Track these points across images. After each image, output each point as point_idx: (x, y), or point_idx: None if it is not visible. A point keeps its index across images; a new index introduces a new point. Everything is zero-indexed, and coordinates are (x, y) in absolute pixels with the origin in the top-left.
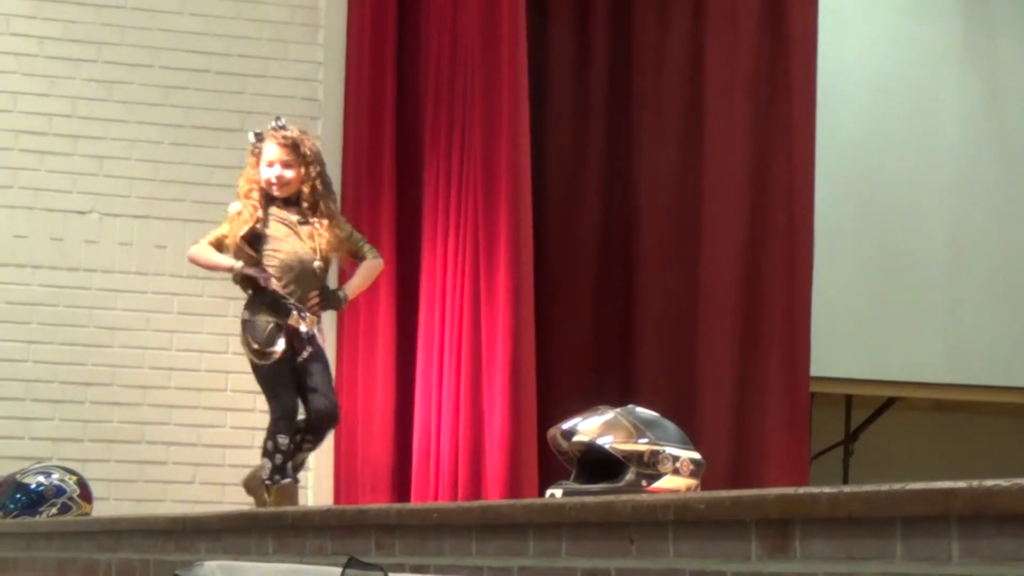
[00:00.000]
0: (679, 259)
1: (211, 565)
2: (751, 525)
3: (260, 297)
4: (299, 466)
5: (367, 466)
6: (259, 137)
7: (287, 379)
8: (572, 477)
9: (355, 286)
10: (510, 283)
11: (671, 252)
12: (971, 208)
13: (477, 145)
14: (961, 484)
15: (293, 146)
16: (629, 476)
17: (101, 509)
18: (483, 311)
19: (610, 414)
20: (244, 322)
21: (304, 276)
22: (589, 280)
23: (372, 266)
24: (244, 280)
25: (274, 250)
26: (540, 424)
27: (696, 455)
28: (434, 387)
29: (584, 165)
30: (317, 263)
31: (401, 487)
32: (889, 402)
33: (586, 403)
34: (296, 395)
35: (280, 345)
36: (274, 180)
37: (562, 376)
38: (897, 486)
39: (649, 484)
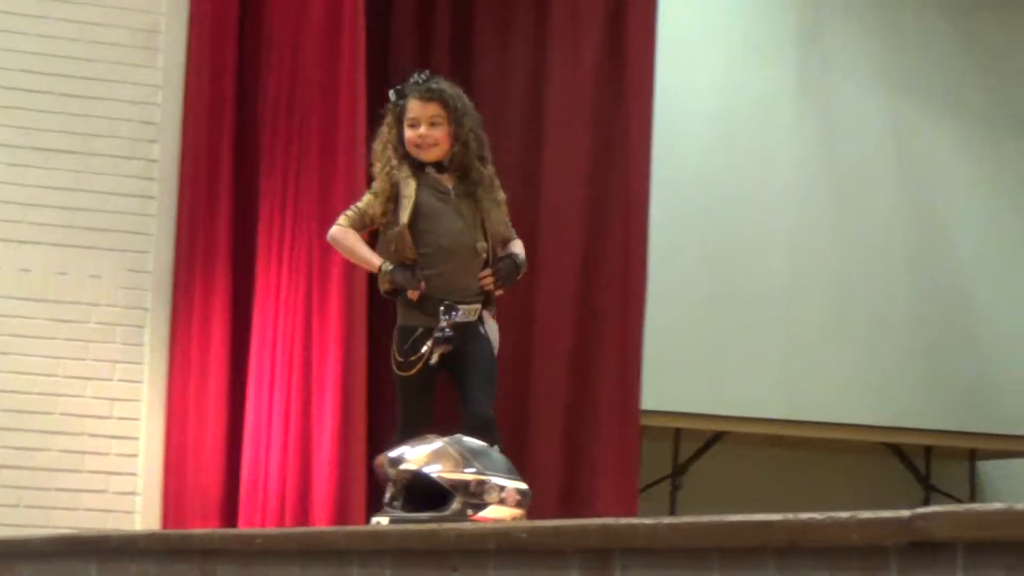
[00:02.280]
0: (514, 288)
1: None
2: (572, 555)
3: (408, 298)
4: None
5: (196, 491)
6: (399, 93)
7: (421, 393)
8: (397, 505)
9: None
10: (343, 310)
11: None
12: (806, 245)
13: (313, 169)
14: (777, 517)
15: (440, 99)
16: (455, 505)
17: None
18: (315, 337)
19: (438, 443)
20: (399, 329)
21: (465, 262)
22: None
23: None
24: (400, 283)
25: (426, 230)
26: (369, 451)
27: (522, 485)
28: (264, 413)
29: None
30: (480, 243)
31: (230, 512)
32: (718, 436)
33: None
34: (429, 416)
35: (423, 352)
36: (418, 141)
37: (393, 404)
38: (715, 518)
39: (475, 513)
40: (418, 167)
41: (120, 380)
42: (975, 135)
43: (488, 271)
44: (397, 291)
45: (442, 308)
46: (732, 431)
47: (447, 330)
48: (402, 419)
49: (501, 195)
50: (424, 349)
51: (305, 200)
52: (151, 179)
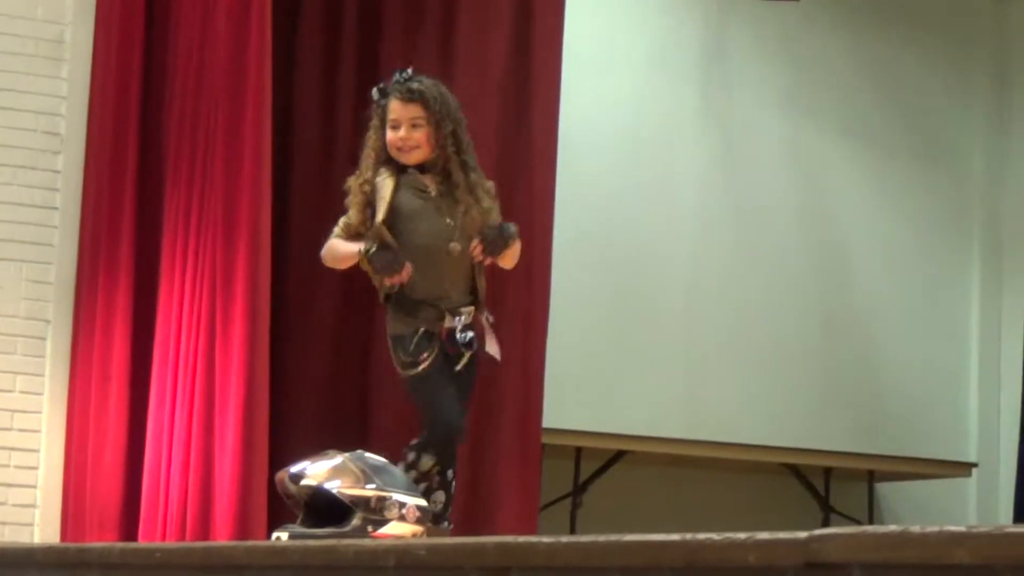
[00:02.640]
0: None
1: None
2: (471, 572)
3: (398, 303)
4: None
5: (96, 504)
6: (382, 93)
7: (447, 383)
8: (299, 521)
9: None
10: (246, 324)
11: None
12: (707, 265)
13: (218, 182)
14: (675, 537)
15: (421, 100)
16: (356, 521)
17: None
18: (218, 353)
19: (338, 459)
20: (392, 339)
21: (443, 263)
22: (327, 324)
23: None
24: (379, 265)
25: (403, 230)
26: (272, 467)
27: (423, 502)
28: (166, 426)
29: (328, 208)
30: (454, 244)
31: (130, 526)
32: (619, 455)
33: (320, 447)
34: (459, 406)
35: (432, 350)
36: (399, 144)
37: (296, 419)
38: (613, 537)
39: (375, 530)
40: (400, 168)
41: (21, 392)
42: (875, 157)
43: (476, 240)
44: (389, 296)
45: (448, 313)
46: (633, 450)
47: (465, 334)
48: (431, 420)
49: (486, 201)
50: (426, 353)
51: (210, 212)
52: (55, 190)
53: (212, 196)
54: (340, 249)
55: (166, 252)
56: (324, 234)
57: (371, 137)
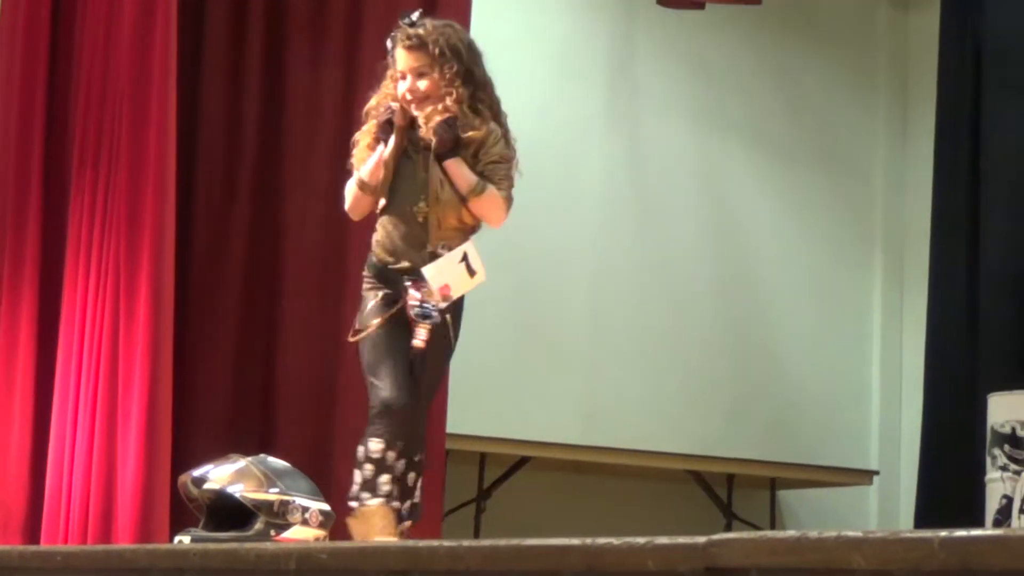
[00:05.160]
0: (322, 313)
1: None
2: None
3: (373, 267)
4: (409, 490)
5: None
6: (392, 40)
7: (390, 355)
8: (201, 524)
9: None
10: (150, 325)
11: (315, 305)
12: (611, 272)
13: (123, 182)
14: (575, 541)
15: (423, 47)
16: (258, 525)
17: None
18: (121, 354)
19: (242, 462)
20: (361, 300)
21: (406, 227)
22: (231, 327)
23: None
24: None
25: (394, 204)
26: (175, 471)
27: (326, 506)
28: (69, 428)
29: (232, 214)
30: (419, 204)
31: (33, 529)
32: (523, 461)
33: (224, 451)
34: (408, 381)
35: (383, 315)
36: (408, 96)
37: (200, 424)
38: (514, 542)
39: (278, 534)
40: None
41: None
42: (779, 165)
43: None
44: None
45: (408, 282)
46: (536, 456)
47: (427, 305)
48: (370, 397)
49: (494, 151)
50: (376, 319)
51: (114, 211)
52: None
53: (116, 196)
54: (353, 188)
55: (70, 253)
56: (228, 235)
57: (385, 86)
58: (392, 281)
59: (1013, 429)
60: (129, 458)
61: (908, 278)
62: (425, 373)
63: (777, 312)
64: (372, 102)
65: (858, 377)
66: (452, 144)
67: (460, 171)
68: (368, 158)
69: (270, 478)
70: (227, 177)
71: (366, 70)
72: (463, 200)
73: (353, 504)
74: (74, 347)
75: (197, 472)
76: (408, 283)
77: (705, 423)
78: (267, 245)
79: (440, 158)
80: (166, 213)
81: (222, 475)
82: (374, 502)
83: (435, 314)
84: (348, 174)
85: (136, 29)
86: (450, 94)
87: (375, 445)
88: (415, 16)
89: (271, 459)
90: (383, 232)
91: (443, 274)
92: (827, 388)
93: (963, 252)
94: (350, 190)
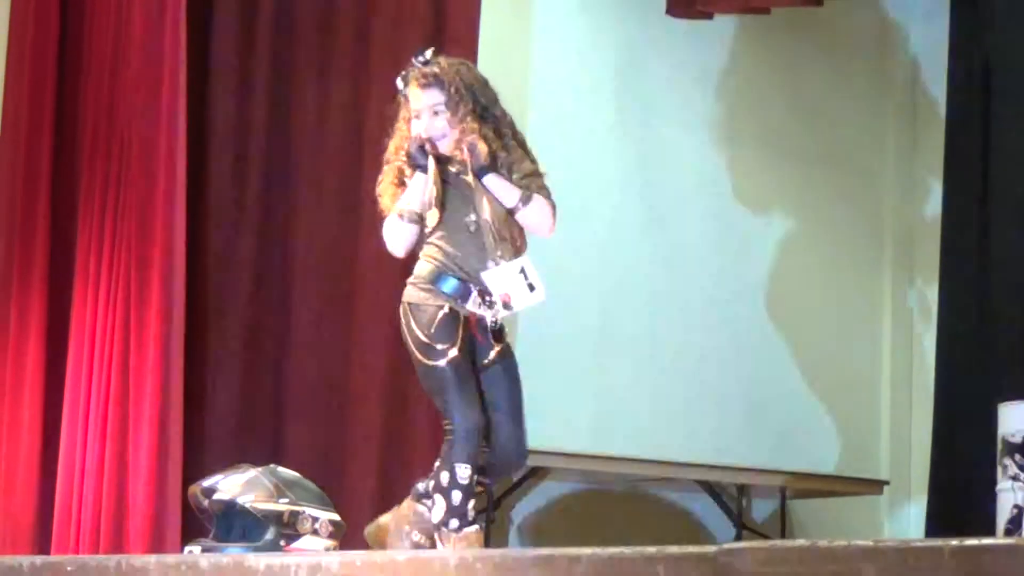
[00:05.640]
0: (332, 322)
1: None
2: None
3: (429, 271)
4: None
5: (7, 518)
6: (404, 80)
7: (469, 381)
8: (212, 535)
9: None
10: (161, 336)
11: (324, 314)
12: (620, 281)
13: (132, 195)
14: (586, 551)
15: (437, 85)
16: (268, 535)
17: None
18: (132, 362)
19: (252, 473)
20: (408, 306)
21: (465, 241)
22: (241, 340)
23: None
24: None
25: (444, 222)
26: (186, 481)
27: (336, 516)
28: (80, 439)
29: (242, 223)
30: (469, 216)
31: (42, 540)
32: (533, 471)
33: (234, 461)
34: (483, 405)
35: (456, 339)
36: (425, 135)
37: (211, 434)
38: (525, 551)
39: (288, 544)
40: (440, 160)
41: None
42: (790, 176)
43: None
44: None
45: (477, 293)
46: (547, 466)
47: (496, 321)
48: (454, 419)
49: (525, 166)
50: (451, 346)
51: (124, 221)
52: None
53: (127, 206)
54: (396, 221)
55: (80, 260)
56: (237, 244)
57: (400, 128)
58: (463, 290)
59: None
60: (141, 468)
61: (918, 286)
62: (506, 390)
63: (787, 321)
64: (390, 149)
65: (868, 386)
66: (489, 159)
67: (502, 184)
68: (401, 194)
69: (280, 488)
70: (236, 187)
71: (374, 80)
72: (511, 212)
73: (444, 529)
74: (84, 357)
75: (207, 482)
76: (477, 291)
77: (716, 432)
78: (277, 254)
79: (480, 175)
80: (176, 223)
81: (232, 485)
82: (470, 529)
83: (504, 334)
84: (353, 184)
85: (145, 39)
86: (465, 131)
87: (464, 471)
88: (428, 54)
89: (281, 469)
90: (435, 248)
91: (502, 282)
92: (837, 397)
93: (974, 260)
94: (392, 227)
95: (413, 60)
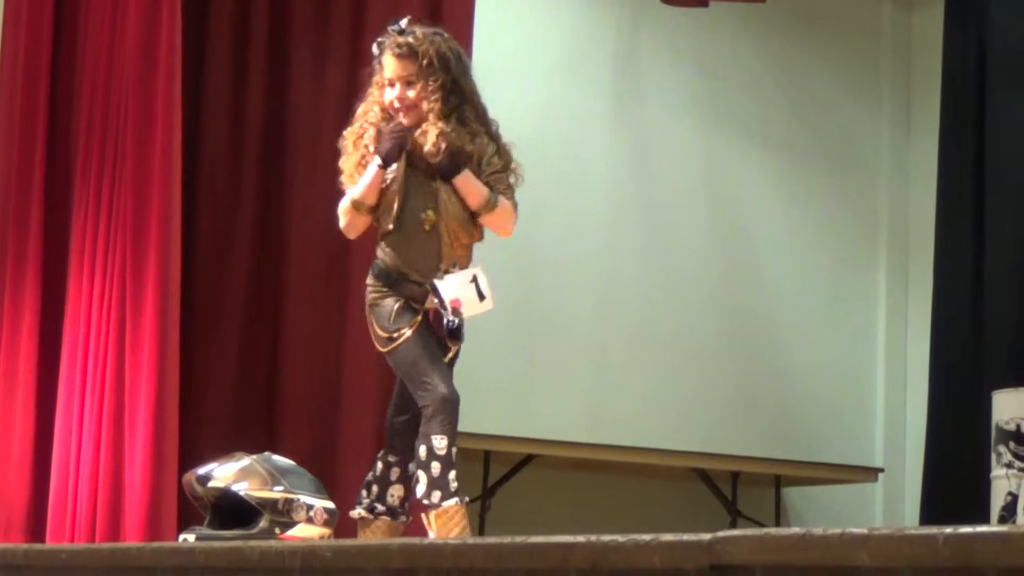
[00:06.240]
0: (325, 313)
1: None
2: (375, 574)
3: (383, 273)
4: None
5: (2, 506)
6: (380, 47)
7: (438, 355)
8: (206, 523)
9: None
10: (156, 323)
11: (320, 304)
12: (616, 269)
13: (128, 182)
14: (580, 539)
15: (411, 55)
16: (263, 523)
17: None
18: (127, 349)
19: (246, 460)
20: (370, 307)
21: (417, 238)
22: (236, 328)
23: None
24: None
25: (393, 205)
26: (181, 469)
27: (330, 504)
28: (75, 428)
29: (236, 213)
30: (427, 213)
31: (38, 529)
32: (528, 459)
33: (230, 449)
34: (451, 377)
35: (412, 321)
36: (396, 104)
37: (206, 422)
38: (519, 539)
39: (283, 532)
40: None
41: None
42: (784, 163)
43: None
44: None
45: (431, 289)
46: (541, 454)
47: (453, 320)
48: (427, 390)
49: (495, 161)
50: (405, 325)
51: (119, 212)
52: None
53: (122, 193)
54: (347, 205)
55: (75, 250)
56: (232, 235)
57: (372, 93)
58: (403, 288)
59: (1018, 426)
60: (136, 457)
61: (913, 275)
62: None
63: (782, 309)
64: (359, 111)
65: (863, 374)
66: (462, 160)
67: (472, 186)
68: (361, 175)
69: (275, 476)
70: (231, 178)
71: (370, 70)
72: (474, 214)
73: (426, 503)
74: (79, 344)
75: (202, 470)
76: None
77: (710, 421)
78: (272, 245)
79: (448, 176)
80: (172, 214)
81: (227, 473)
82: (450, 502)
83: (462, 333)
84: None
85: (141, 28)
86: (432, 107)
87: (440, 442)
88: (404, 23)
89: (276, 457)
90: (390, 250)
91: (453, 289)
92: (832, 385)
93: (968, 249)
94: (344, 208)
95: (389, 28)
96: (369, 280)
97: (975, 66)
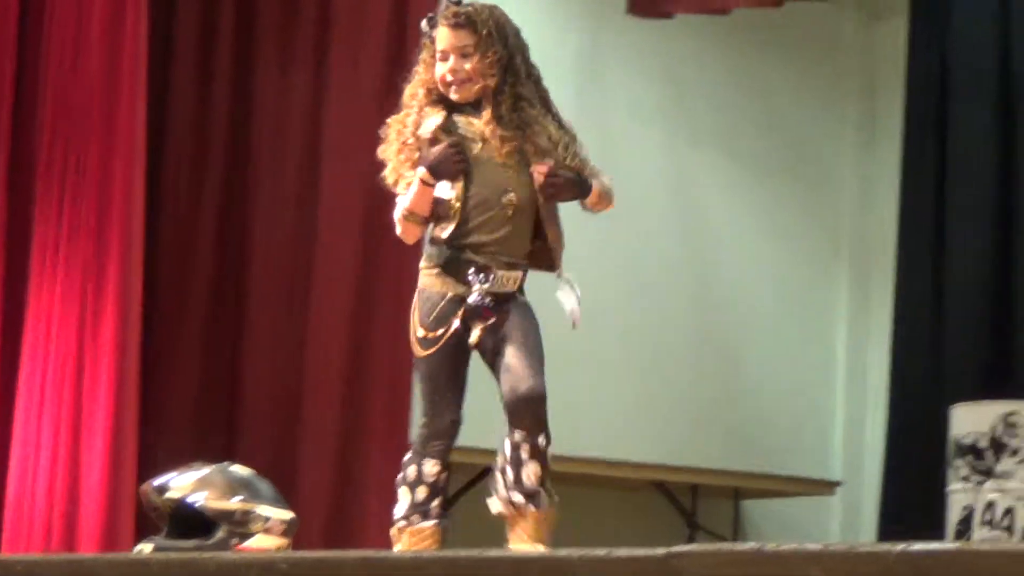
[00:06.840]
0: (288, 321)
1: None
2: None
3: (440, 251)
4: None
5: None
6: (431, 23)
7: (449, 380)
8: (164, 533)
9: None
10: (116, 333)
11: (281, 312)
12: (577, 281)
13: (91, 185)
14: (535, 552)
15: (469, 25)
16: (220, 534)
17: None
18: (87, 359)
19: (205, 471)
20: (418, 294)
21: (498, 217)
22: (197, 337)
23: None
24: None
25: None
26: (140, 478)
27: (288, 515)
28: (32, 436)
29: (199, 218)
30: (509, 195)
31: None
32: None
33: (189, 457)
34: (459, 408)
35: (452, 326)
36: (449, 77)
37: (165, 429)
38: (475, 552)
39: (240, 543)
40: (454, 108)
41: None
42: (748, 174)
43: (546, 166)
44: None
45: (472, 271)
46: None
47: (484, 299)
48: (425, 413)
49: (557, 136)
50: (455, 323)
51: (82, 214)
52: None
53: (84, 200)
54: (401, 215)
55: (35, 255)
56: (194, 239)
57: (418, 72)
58: (461, 274)
59: (975, 441)
60: (94, 465)
61: (874, 289)
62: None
63: (742, 321)
64: (406, 94)
65: (823, 387)
66: (580, 180)
67: (597, 193)
68: (403, 169)
69: (232, 487)
70: (194, 182)
71: (335, 75)
72: (586, 208)
73: (402, 523)
74: (39, 353)
75: (159, 481)
76: (480, 271)
77: (669, 433)
78: (234, 249)
79: (585, 196)
80: (134, 217)
81: (184, 483)
82: (427, 524)
83: (489, 315)
84: (312, 181)
85: (105, 29)
86: (488, 81)
87: (432, 468)
88: None
89: (234, 467)
90: (465, 228)
91: (571, 299)
92: (792, 398)
93: (929, 263)
94: (397, 219)
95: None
96: (425, 263)
97: (938, 78)
